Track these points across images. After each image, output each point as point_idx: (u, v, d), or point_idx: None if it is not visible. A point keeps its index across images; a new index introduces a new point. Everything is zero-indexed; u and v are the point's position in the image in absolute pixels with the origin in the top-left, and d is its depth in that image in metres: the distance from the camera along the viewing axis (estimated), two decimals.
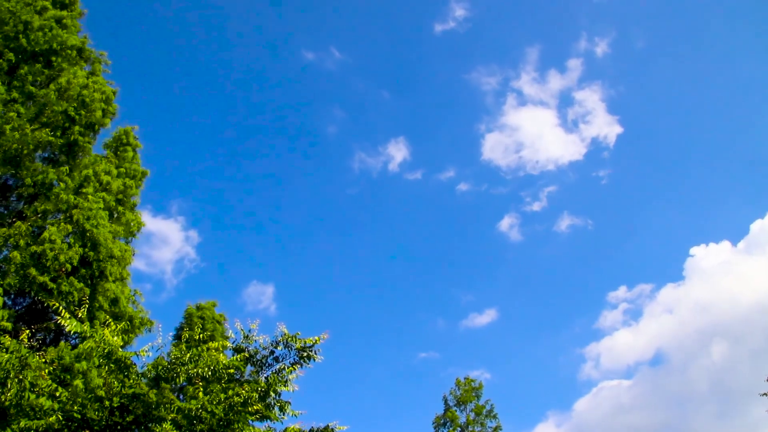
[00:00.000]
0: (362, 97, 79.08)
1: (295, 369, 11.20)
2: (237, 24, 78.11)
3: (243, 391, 10.58)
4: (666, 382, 57.33)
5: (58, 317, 10.24)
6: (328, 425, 11.40)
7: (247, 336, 11.33)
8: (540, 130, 70.70)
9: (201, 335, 11.47)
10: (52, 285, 14.17)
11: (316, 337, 11.16)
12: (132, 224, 17.61)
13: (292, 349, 11.28)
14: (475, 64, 79.06)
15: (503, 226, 72.49)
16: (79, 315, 10.77)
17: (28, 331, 10.34)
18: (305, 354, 11.20)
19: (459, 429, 33.03)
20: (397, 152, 75.11)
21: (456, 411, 33.79)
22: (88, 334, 10.21)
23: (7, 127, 15.62)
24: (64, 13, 18.66)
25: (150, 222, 65.70)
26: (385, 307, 71.23)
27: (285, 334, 11.22)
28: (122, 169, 18.10)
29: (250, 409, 10.53)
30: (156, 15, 75.00)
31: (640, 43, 76.57)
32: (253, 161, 78.92)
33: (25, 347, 9.57)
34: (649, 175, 76.01)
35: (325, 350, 11.35)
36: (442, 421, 33.65)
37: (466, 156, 78.41)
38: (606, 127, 71.32)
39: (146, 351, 10.75)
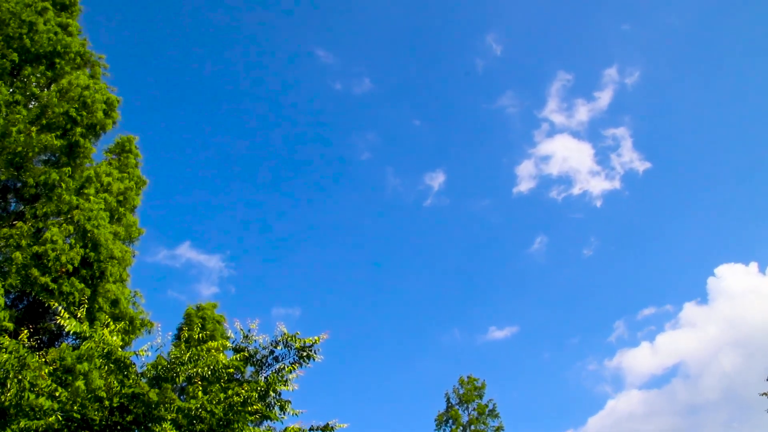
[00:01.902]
0: (394, 126, 79.91)
1: (294, 369, 11.21)
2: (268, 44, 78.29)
3: (243, 391, 10.58)
4: (683, 393, 57.51)
5: (58, 317, 10.29)
6: (327, 423, 11.39)
7: (247, 336, 11.33)
8: (570, 160, 71.63)
9: (200, 335, 11.49)
10: (53, 285, 14.21)
11: (316, 337, 11.15)
12: (133, 230, 17.70)
13: (291, 348, 11.28)
14: (506, 94, 79.62)
15: (532, 250, 73.09)
16: (79, 315, 10.80)
17: (27, 331, 10.36)
18: (305, 354, 11.20)
19: (461, 428, 32.90)
20: (430, 180, 76.60)
21: (458, 410, 33.65)
22: (88, 335, 10.24)
23: (13, 129, 15.69)
24: (70, 21, 18.74)
25: (194, 255, 66.34)
26: (410, 326, 71.48)
27: (285, 334, 11.22)
28: (125, 175, 18.20)
29: (249, 408, 10.53)
30: (182, 40, 75.78)
31: (668, 73, 76.96)
32: (285, 187, 79.05)
33: (24, 347, 9.61)
34: (677, 202, 76.41)
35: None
36: (444, 419, 33.55)
37: (498, 184, 78.97)
38: (636, 161, 72.29)
39: (145, 351, 10.78)
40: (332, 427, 11.32)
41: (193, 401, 10.50)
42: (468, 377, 34.83)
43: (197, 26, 76.15)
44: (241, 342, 11.43)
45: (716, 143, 77.62)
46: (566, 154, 71.68)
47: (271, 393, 10.91)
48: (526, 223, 76.38)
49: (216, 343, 11.07)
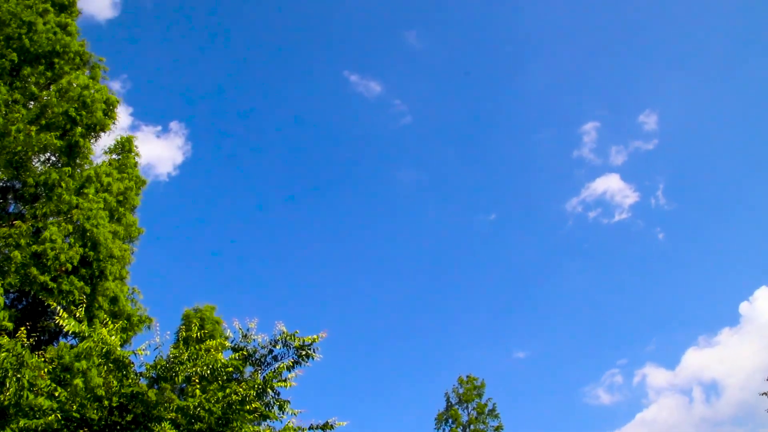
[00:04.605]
0: (435, 162, 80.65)
1: (293, 367, 11.21)
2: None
3: (241, 390, 10.58)
4: (707, 411, 58.51)
5: (57, 317, 10.29)
6: (327, 422, 11.40)
7: (246, 335, 11.32)
8: (608, 198, 72.92)
9: (198, 334, 11.50)
10: (52, 284, 14.23)
11: (315, 336, 11.15)
12: (132, 230, 17.74)
13: (290, 347, 11.29)
14: (546, 133, 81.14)
15: (567, 280, 74.21)
16: (77, 314, 10.80)
17: (24, 329, 10.36)
18: (304, 353, 11.20)
19: (461, 427, 32.88)
20: (473, 214, 77.32)
21: (458, 409, 33.60)
22: (87, 334, 10.24)
23: (12, 128, 15.71)
24: (69, 20, 18.81)
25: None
26: (431, 339, 71.83)
27: (283, 333, 11.21)
28: (124, 175, 18.24)
29: (248, 407, 10.53)
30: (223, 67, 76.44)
31: (702, 112, 77.82)
32: (318, 216, 79.49)
33: (21, 345, 9.61)
34: (712, 235, 77.06)
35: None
36: (444, 419, 33.53)
37: (538, 221, 79.78)
38: (673, 200, 73.82)
39: (144, 350, 10.78)
40: (332, 425, 11.32)
41: (190, 400, 10.50)
42: (467, 377, 34.71)
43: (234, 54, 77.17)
44: (240, 341, 11.42)
45: (750, 172, 78.03)
46: (605, 193, 73.21)
47: (268, 391, 10.89)
48: (562, 256, 77.09)
49: (214, 342, 11.07)
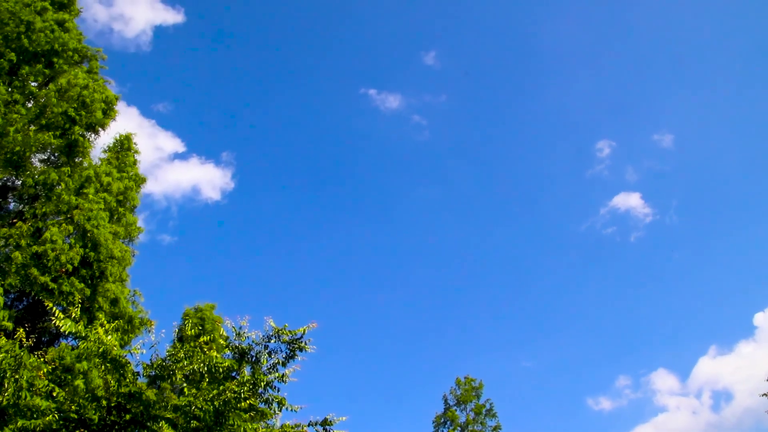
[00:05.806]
0: (451, 179, 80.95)
1: (288, 362, 11.25)
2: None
3: (235, 387, 10.60)
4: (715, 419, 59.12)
5: (53, 318, 10.30)
6: (326, 418, 11.42)
7: (239, 333, 11.37)
8: (622, 214, 73.73)
9: (193, 331, 11.51)
10: (53, 285, 14.24)
11: (304, 327, 11.18)
12: (132, 229, 17.75)
13: (282, 342, 11.36)
14: (561, 151, 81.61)
15: (585, 293, 74.94)
16: (73, 315, 10.81)
17: (22, 330, 10.38)
18: (296, 346, 11.25)
19: (459, 428, 32.82)
20: (488, 228, 77.76)
21: (456, 410, 33.46)
22: (83, 334, 10.26)
23: (11, 129, 15.71)
24: (67, 17, 18.79)
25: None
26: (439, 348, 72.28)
27: (274, 328, 11.28)
28: (124, 174, 18.24)
29: (243, 405, 10.54)
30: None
31: (717, 131, 78.29)
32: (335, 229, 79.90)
33: (19, 346, 9.63)
34: (727, 249, 77.54)
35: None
36: (442, 420, 33.38)
37: (553, 233, 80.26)
38: (685, 217, 74.98)
39: (139, 348, 10.79)
40: (331, 421, 11.34)
41: (184, 397, 10.53)
42: (465, 377, 34.58)
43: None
44: (234, 339, 11.46)
45: (763, 185, 78.28)
46: (620, 209, 73.97)
47: (261, 385, 10.90)
48: (576, 270, 77.67)
49: (207, 337, 11.07)
